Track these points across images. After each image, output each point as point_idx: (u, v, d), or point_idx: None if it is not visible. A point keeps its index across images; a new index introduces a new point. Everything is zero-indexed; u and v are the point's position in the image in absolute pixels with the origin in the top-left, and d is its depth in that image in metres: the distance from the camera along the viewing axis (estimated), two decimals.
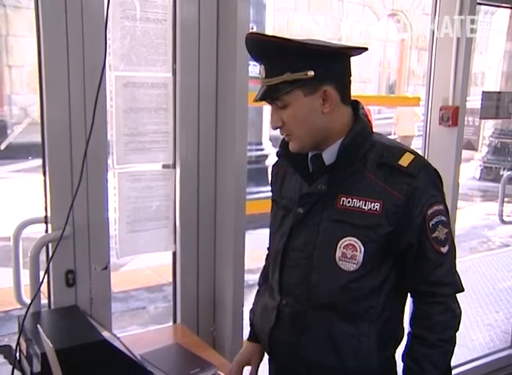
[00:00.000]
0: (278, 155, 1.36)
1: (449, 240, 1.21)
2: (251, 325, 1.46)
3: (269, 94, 1.20)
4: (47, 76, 1.52)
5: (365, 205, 1.19)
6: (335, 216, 1.21)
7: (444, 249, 1.20)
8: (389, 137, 1.33)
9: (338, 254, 1.20)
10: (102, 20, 1.53)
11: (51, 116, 1.54)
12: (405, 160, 1.19)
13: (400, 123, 9.78)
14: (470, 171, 8.95)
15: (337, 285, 1.21)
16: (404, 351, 1.24)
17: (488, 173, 8.82)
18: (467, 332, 3.48)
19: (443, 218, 1.20)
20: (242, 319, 1.89)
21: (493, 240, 6.08)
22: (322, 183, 1.23)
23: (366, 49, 1.23)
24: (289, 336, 1.28)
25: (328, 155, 1.24)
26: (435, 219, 1.18)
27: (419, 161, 1.21)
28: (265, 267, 1.48)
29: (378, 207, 1.17)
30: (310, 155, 1.28)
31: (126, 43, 1.63)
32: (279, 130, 1.25)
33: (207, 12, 1.76)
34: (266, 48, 1.18)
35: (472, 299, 4.11)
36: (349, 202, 1.20)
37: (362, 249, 1.18)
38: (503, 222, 3.77)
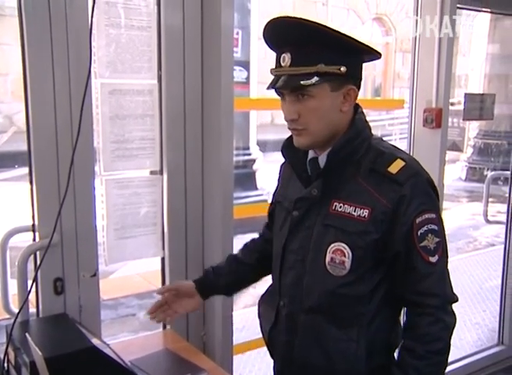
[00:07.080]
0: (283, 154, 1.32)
1: (440, 249, 1.18)
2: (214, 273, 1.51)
3: (295, 84, 1.13)
4: (32, 84, 1.51)
5: (355, 211, 1.17)
6: (326, 221, 1.21)
7: (433, 259, 1.16)
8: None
9: (327, 258, 1.19)
10: (87, 28, 1.53)
11: (36, 124, 1.53)
12: (394, 167, 1.17)
13: None
14: (456, 172, 9.05)
15: (326, 289, 1.21)
16: (395, 361, 1.22)
17: (474, 173, 8.93)
18: (455, 331, 3.51)
19: (434, 227, 1.16)
20: (232, 324, 1.89)
21: (479, 240, 6.15)
22: (315, 187, 1.22)
23: (379, 54, 1.20)
24: (284, 336, 1.30)
25: (323, 159, 1.22)
26: (424, 228, 1.15)
27: (409, 168, 1.18)
28: (252, 240, 1.55)
29: (366, 214, 1.16)
30: (308, 158, 1.27)
31: (111, 50, 1.64)
32: (288, 124, 1.19)
33: (191, 18, 1.77)
34: (300, 34, 1.10)
35: (460, 299, 4.14)
36: (340, 207, 1.19)
37: (350, 255, 1.17)
38: (488, 221, 3.83)
